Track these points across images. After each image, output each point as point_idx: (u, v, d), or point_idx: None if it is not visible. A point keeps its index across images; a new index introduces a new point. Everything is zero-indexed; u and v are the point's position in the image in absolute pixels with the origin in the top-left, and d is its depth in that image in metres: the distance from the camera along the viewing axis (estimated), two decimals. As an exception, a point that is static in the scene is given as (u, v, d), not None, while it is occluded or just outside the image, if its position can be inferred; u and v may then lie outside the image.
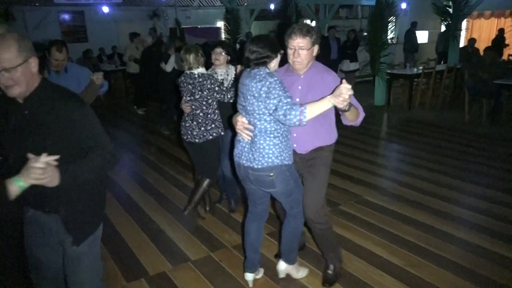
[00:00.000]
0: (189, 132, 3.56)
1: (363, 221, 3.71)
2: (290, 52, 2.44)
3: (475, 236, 3.40)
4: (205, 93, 3.42)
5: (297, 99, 2.49)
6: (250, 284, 2.83)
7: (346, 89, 2.09)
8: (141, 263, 3.17)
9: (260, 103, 2.29)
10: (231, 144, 3.14)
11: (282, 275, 2.87)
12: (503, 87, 6.76)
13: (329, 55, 9.48)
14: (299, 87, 2.53)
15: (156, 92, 7.51)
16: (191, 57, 3.41)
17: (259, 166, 2.39)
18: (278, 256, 3.05)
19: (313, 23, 13.08)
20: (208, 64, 3.61)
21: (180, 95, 3.62)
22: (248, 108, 2.37)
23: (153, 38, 8.75)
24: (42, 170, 1.58)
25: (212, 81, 3.42)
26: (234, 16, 10.76)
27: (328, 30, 10.21)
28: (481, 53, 8.22)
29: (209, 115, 3.52)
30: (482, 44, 10.74)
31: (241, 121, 2.43)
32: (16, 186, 1.60)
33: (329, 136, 2.67)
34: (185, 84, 3.50)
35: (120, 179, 4.99)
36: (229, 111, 3.29)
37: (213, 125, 3.53)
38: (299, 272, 2.88)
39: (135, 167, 5.52)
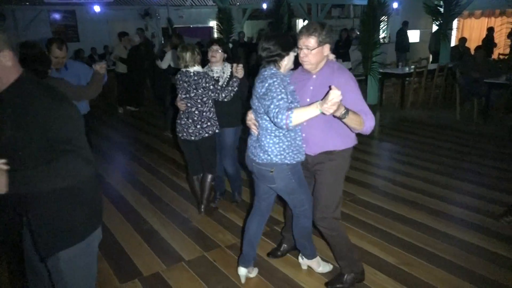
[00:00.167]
0: (184, 129, 3.56)
1: (358, 220, 3.71)
2: (299, 52, 2.40)
3: (468, 234, 3.42)
4: (200, 91, 3.41)
5: (308, 99, 2.43)
6: (242, 280, 2.84)
7: (334, 94, 1.91)
8: (135, 263, 3.15)
9: (260, 103, 2.34)
10: (239, 141, 3.36)
11: (304, 267, 3.01)
12: (493, 86, 6.84)
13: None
14: (311, 88, 2.47)
15: (153, 90, 7.45)
16: (187, 55, 3.41)
17: (260, 161, 2.47)
18: (269, 254, 3.17)
19: (305, 23, 13.08)
20: (203, 63, 3.60)
21: (175, 93, 3.62)
22: (253, 106, 2.47)
23: (140, 38, 8.72)
24: None
25: (207, 79, 3.41)
26: (227, 16, 10.73)
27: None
28: (472, 52, 8.28)
29: (204, 113, 3.51)
30: (473, 44, 10.83)
31: (249, 117, 2.55)
32: None
33: (342, 140, 2.51)
34: (180, 82, 3.50)
35: (113, 180, 4.95)
36: (239, 107, 3.68)
37: (208, 123, 3.54)
38: (320, 267, 2.95)
39: (128, 168, 5.48)
